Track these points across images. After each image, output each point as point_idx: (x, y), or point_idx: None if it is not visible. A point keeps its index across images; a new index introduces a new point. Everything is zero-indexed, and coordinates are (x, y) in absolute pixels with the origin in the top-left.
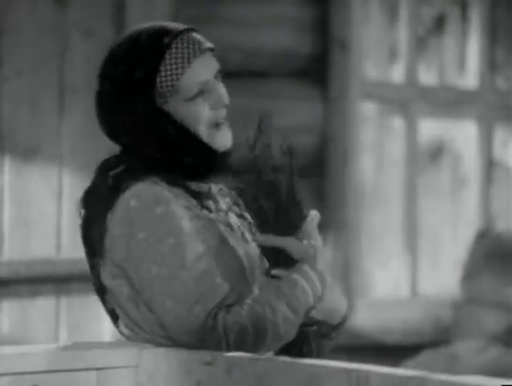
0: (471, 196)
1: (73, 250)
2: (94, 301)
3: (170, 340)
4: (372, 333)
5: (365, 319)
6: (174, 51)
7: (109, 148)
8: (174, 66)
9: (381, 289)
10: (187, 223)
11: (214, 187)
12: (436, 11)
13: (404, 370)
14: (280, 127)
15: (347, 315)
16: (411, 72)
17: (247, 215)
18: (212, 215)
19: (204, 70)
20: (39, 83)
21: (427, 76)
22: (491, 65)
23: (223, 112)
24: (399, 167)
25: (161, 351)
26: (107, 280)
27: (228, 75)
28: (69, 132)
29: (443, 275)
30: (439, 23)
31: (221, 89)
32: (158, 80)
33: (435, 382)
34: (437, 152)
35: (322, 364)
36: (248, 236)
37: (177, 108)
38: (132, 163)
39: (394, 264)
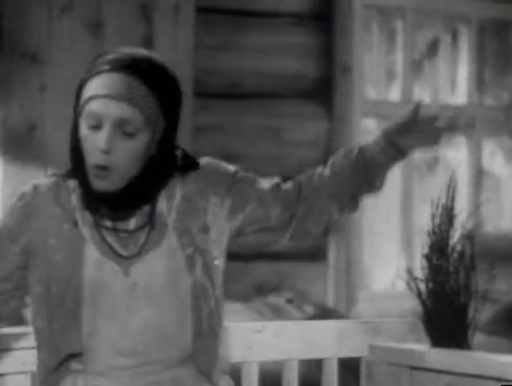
0: (463, 203)
1: None
2: None
3: None
4: None
5: (366, 309)
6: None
7: None
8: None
9: (380, 284)
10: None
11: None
12: (430, 37)
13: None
14: (290, 142)
15: None
16: (407, 91)
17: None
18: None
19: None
20: None
21: (422, 95)
22: (479, 84)
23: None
24: (397, 177)
25: None
26: None
27: (243, 96)
28: None
29: None
30: (433, 48)
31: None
32: None
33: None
34: (432, 163)
35: None
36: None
37: None
38: None
39: (393, 263)
